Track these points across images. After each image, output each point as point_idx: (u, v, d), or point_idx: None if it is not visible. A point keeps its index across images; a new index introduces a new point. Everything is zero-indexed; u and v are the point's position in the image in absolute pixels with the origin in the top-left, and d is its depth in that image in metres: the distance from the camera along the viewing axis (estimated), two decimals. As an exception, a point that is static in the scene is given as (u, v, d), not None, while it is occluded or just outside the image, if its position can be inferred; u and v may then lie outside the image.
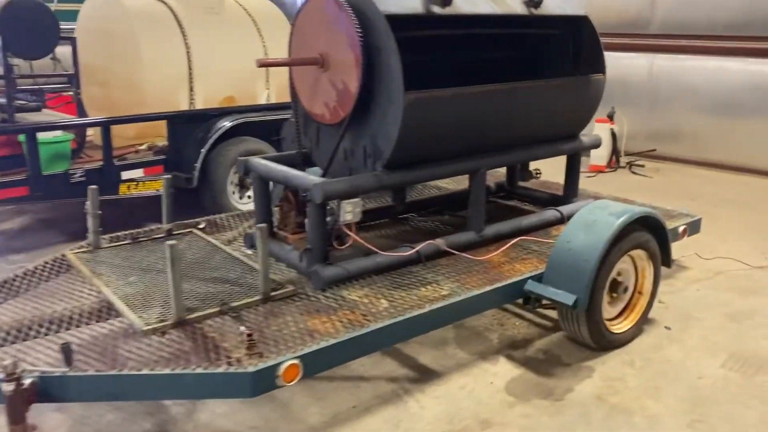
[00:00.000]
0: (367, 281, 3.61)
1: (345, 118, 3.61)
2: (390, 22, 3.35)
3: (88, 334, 3.02)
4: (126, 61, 6.04)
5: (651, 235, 3.90)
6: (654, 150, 8.75)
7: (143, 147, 6.13)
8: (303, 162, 4.08)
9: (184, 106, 6.30)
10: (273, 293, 3.35)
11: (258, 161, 3.93)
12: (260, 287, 3.31)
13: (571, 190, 4.88)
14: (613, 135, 8.22)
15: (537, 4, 4.13)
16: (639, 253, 3.89)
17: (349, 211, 3.45)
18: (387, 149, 3.56)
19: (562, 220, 4.56)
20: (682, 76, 8.68)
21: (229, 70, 6.57)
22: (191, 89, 6.32)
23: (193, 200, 5.89)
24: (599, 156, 8.10)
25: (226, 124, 5.96)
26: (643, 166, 8.33)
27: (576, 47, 4.53)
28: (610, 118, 8.25)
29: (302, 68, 3.85)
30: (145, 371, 2.65)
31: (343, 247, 3.63)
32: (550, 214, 4.59)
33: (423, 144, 3.68)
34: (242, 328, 2.95)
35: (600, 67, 4.47)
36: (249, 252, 4.01)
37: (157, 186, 5.68)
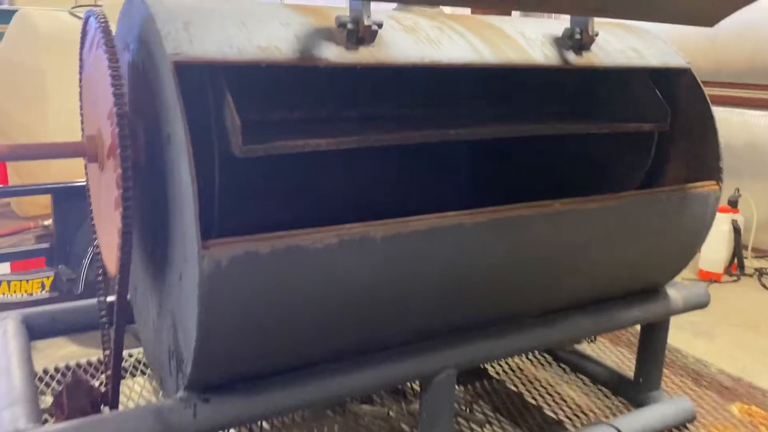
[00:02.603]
0: None
1: (117, 269, 1.69)
2: (184, 81, 1.41)
3: None
4: (29, 106, 4.47)
5: None
6: (798, 251, 6.13)
7: (47, 223, 4.52)
8: (109, 321, 2.17)
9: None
10: None
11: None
12: None
13: (648, 378, 2.66)
14: (736, 230, 5.71)
15: (582, 47, 2.05)
16: None
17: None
18: (187, 355, 1.60)
19: (622, 446, 2.38)
20: None
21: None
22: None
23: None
24: (712, 260, 5.64)
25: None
26: (780, 276, 5.76)
27: (659, 129, 2.37)
28: (733, 205, 5.77)
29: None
30: None
31: None
32: (599, 434, 2.40)
33: (274, 344, 1.67)
34: None
35: (712, 168, 2.28)
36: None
37: (33, 288, 3.99)
